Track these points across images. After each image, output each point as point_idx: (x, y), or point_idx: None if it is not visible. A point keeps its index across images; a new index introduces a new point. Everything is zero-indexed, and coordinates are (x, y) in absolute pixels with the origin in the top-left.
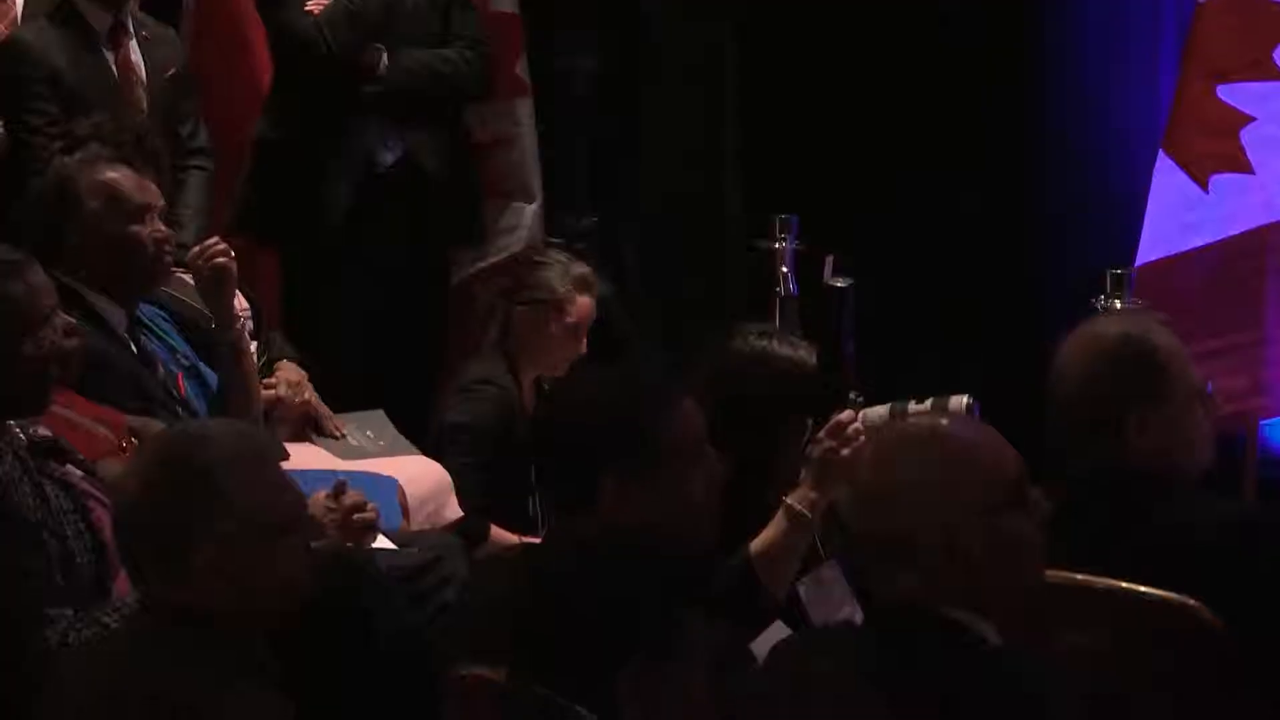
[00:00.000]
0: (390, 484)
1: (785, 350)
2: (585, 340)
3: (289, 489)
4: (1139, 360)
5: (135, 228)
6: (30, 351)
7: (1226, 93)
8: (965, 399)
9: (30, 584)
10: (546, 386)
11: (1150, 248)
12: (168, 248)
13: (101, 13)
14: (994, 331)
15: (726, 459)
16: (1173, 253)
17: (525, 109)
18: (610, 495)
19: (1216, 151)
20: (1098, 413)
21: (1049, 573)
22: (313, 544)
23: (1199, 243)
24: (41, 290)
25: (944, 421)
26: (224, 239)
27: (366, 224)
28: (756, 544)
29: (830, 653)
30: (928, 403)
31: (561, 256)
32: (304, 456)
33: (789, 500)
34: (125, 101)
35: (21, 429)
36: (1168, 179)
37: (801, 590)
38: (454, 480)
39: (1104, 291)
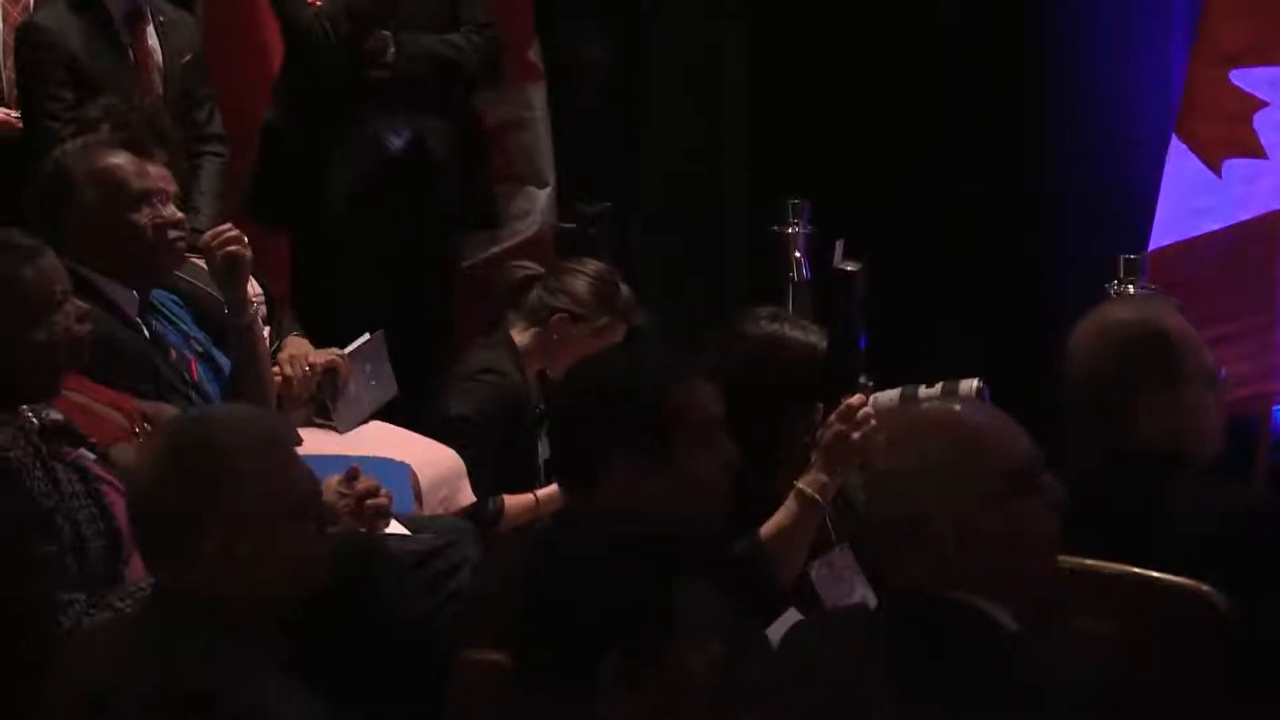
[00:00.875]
0: (403, 469)
1: (796, 334)
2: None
3: (302, 473)
4: (1151, 345)
5: (133, 215)
6: (42, 337)
7: (1239, 77)
8: (975, 382)
9: (42, 569)
10: (551, 375)
11: (1163, 233)
12: (177, 232)
13: None
14: (1006, 317)
15: (736, 442)
16: (1185, 238)
17: (538, 94)
18: (620, 476)
19: (1229, 136)
20: (1109, 397)
21: (1060, 558)
22: (328, 530)
23: (1211, 228)
24: (53, 275)
25: (956, 406)
26: (238, 223)
27: (374, 209)
28: (767, 528)
29: (841, 638)
30: (938, 387)
31: (606, 272)
32: (316, 441)
33: (799, 484)
34: (141, 86)
35: (34, 413)
36: (1180, 163)
37: (813, 574)
38: None
39: (1117, 276)
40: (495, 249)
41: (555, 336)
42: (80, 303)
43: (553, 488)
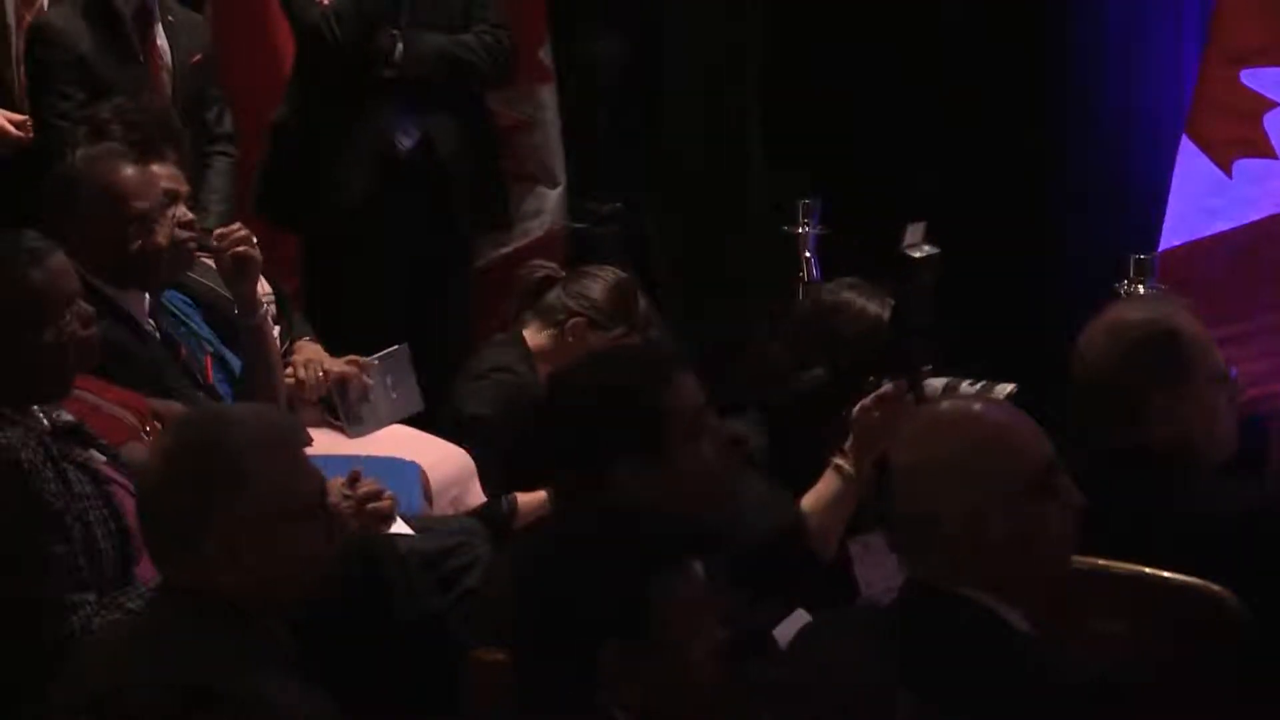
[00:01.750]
0: (413, 469)
1: (863, 305)
2: None
3: (311, 474)
4: (1162, 345)
5: (133, 229)
6: (51, 338)
7: (1250, 78)
8: (1011, 388)
9: (54, 570)
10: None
11: (1173, 233)
12: (187, 233)
13: None
14: (1016, 317)
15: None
16: (1195, 238)
17: (548, 94)
18: (618, 472)
19: (1240, 137)
20: (1120, 397)
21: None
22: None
23: (1222, 228)
24: (62, 276)
25: (977, 405)
26: (245, 223)
27: (385, 209)
28: (807, 499)
29: (853, 635)
30: (978, 386)
31: (627, 282)
32: (327, 441)
33: (836, 459)
34: (151, 87)
35: (45, 414)
36: (1191, 164)
37: (853, 551)
38: None
39: (1127, 277)
40: (506, 249)
41: (570, 339)
42: (87, 306)
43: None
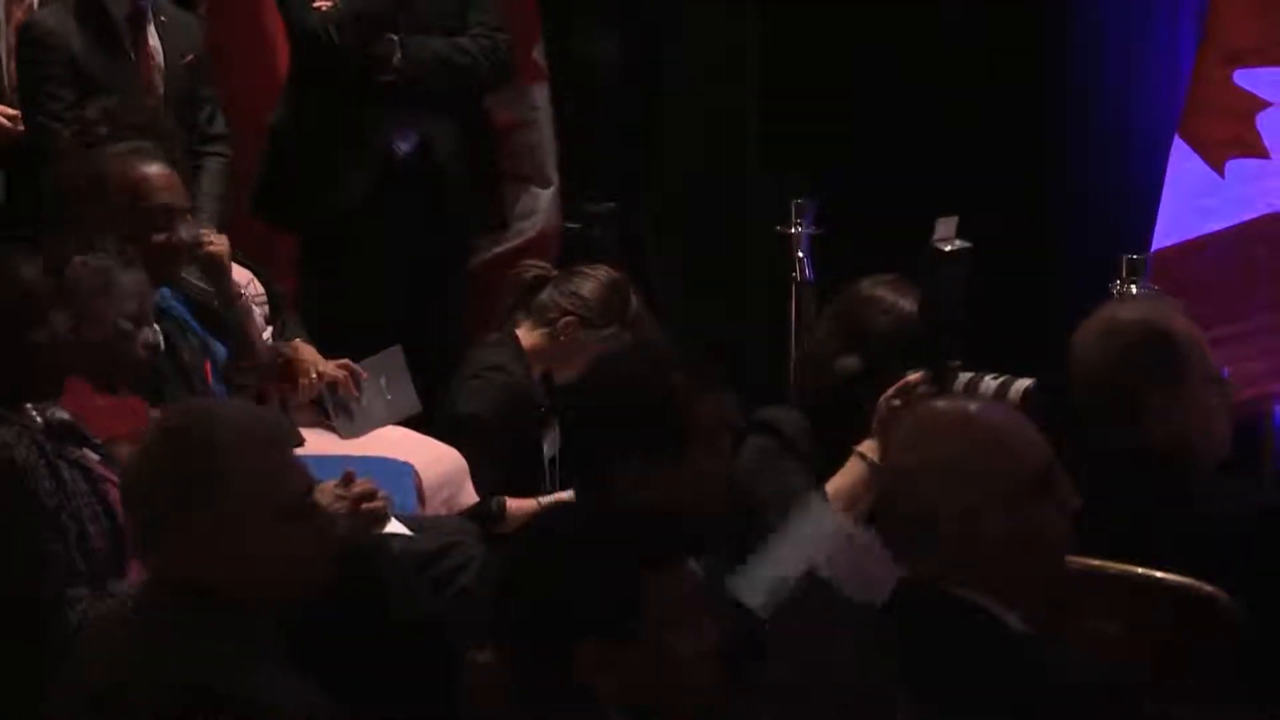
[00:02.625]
0: (406, 469)
1: (896, 302)
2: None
3: (297, 473)
4: (1156, 345)
5: (159, 222)
6: (43, 337)
7: (1243, 78)
8: (1028, 383)
9: (51, 568)
10: (556, 378)
11: (1166, 233)
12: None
13: None
14: (1010, 316)
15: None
16: (1188, 238)
17: (541, 94)
18: (632, 477)
19: (1233, 136)
20: (1115, 397)
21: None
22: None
23: (1215, 228)
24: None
25: (973, 406)
26: (246, 223)
27: (383, 212)
28: (830, 485)
29: (853, 634)
30: (999, 380)
31: (619, 281)
32: (320, 442)
33: (859, 448)
34: (143, 87)
35: (38, 412)
36: (1184, 164)
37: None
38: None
39: (1119, 277)
40: (499, 249)
41: (562, 339)
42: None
43: (558, 495)
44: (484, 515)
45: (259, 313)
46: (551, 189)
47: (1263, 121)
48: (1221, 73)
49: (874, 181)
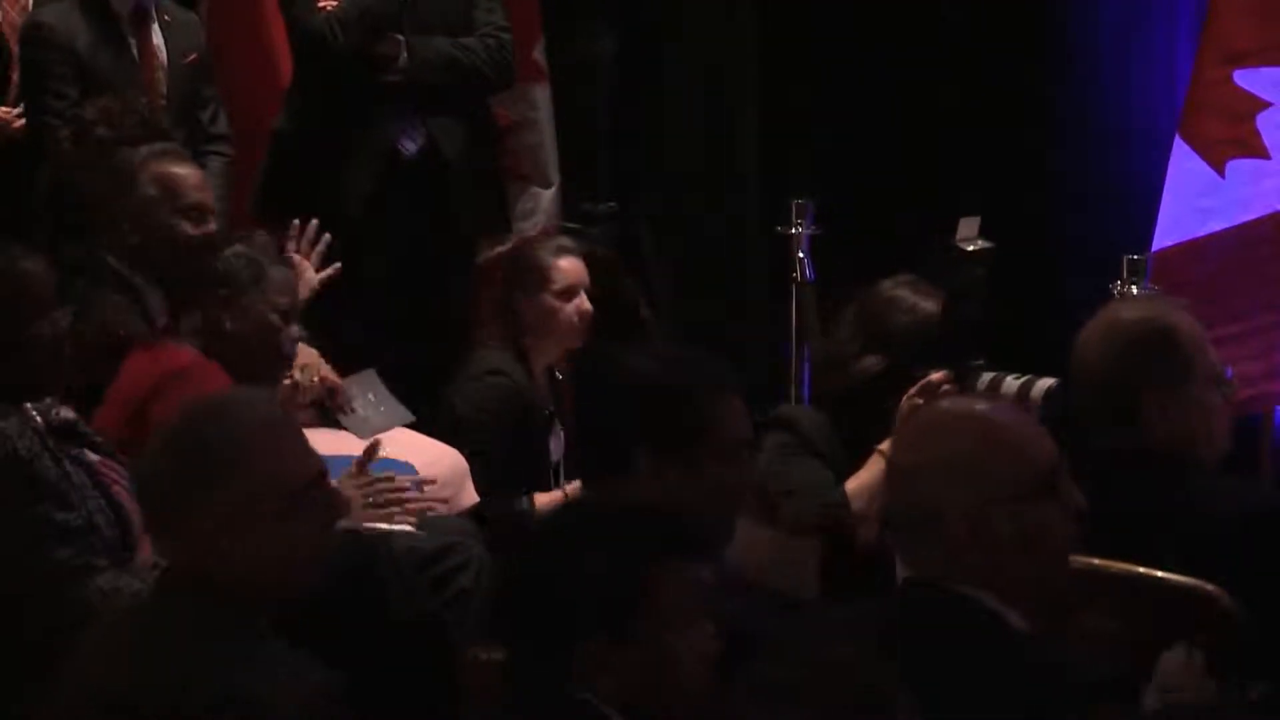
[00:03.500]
0: (407, 470)
1: (915, 302)
2: (591, 313)
3: (308, 456)
4: (1158, 344)
5: (192, 216)
6: (45, 331)
7: (1243, 78)
8: (1051, 383)
9: (66, 538)
10: (560, 375)
11: (1166, 233)
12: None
13: None
14: (1011, 317)
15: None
16: (1189, 238)
17: (542, 94)
18: (646, 476)
19: (1233, 137)
20: (1116, 396)
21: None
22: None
23: (1215, 228)
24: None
25: (980, 405)
26: (242, 224)
27: (387, 212)
28: (850, 483)
29: (850, 631)
30: (1022, 379)
31: (546, 236)
32: (321, 442)
33: (880, 446)
34: (145, 86)
35: (41, 413)
36: (1184, 164)
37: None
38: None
39: (1120, 277)
40: (500, 249)
41: (530, 318)
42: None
43: (576, 485)
44: (484, 517)
45: None
46: (552, 189)
47: (1263, 122)
48: (1221, 73)
49: (874, 182)
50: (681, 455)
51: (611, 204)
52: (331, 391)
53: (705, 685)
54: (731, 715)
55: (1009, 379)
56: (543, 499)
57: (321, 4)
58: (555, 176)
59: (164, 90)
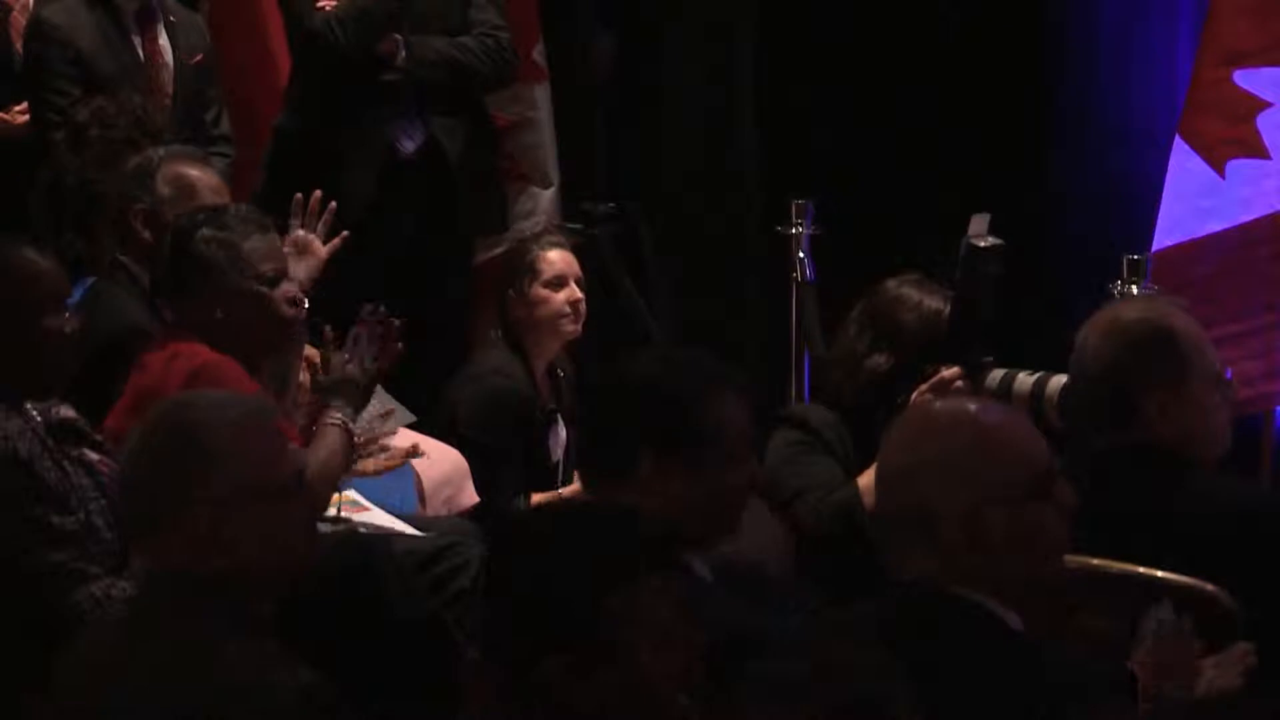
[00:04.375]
0: (407, 470)
1: (922, 299)
2: (582, 302)
3: (285, 457)
4: (1158, 344)
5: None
6: (53, 326)
7: (1243, 78)
8: (1064, 379)
9: (61, 542)
10: (562, 373)
11: (1166, 233)
12: None
13: None
14: (1011, 316)
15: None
16: (1189, 238)
17: (542, 94)
18: (648, 476)
19: (1233, 137)
20: (1117, 396)
21: (1066, 556)
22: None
23: (1215, 228)
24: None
25: (972, 406)
26: None
27: (388, 212)
28: (862, 479)
29: (850, 631)
30: (1035, 376)
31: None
32: None
33: None
34: (151, 86)
35: (42, 412)
36: (1184, 164)
37: None
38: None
39: (1120, 277)
40: (499, 249)
41: (523, 312)
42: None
43: (576, 486)
44: (483, 517)
45: None
46: (552, 189)
47: (1263, 122)
48: (1221, 73)
49: (874, 182)
50: (683, 456)
51: (611, 204)
52: None
53: (680, 706)
54: (731, 715)
55: (1022, 375)
56: (542, 499)
57: (320, 3)
58: (555, 176)
59: (169, 91)
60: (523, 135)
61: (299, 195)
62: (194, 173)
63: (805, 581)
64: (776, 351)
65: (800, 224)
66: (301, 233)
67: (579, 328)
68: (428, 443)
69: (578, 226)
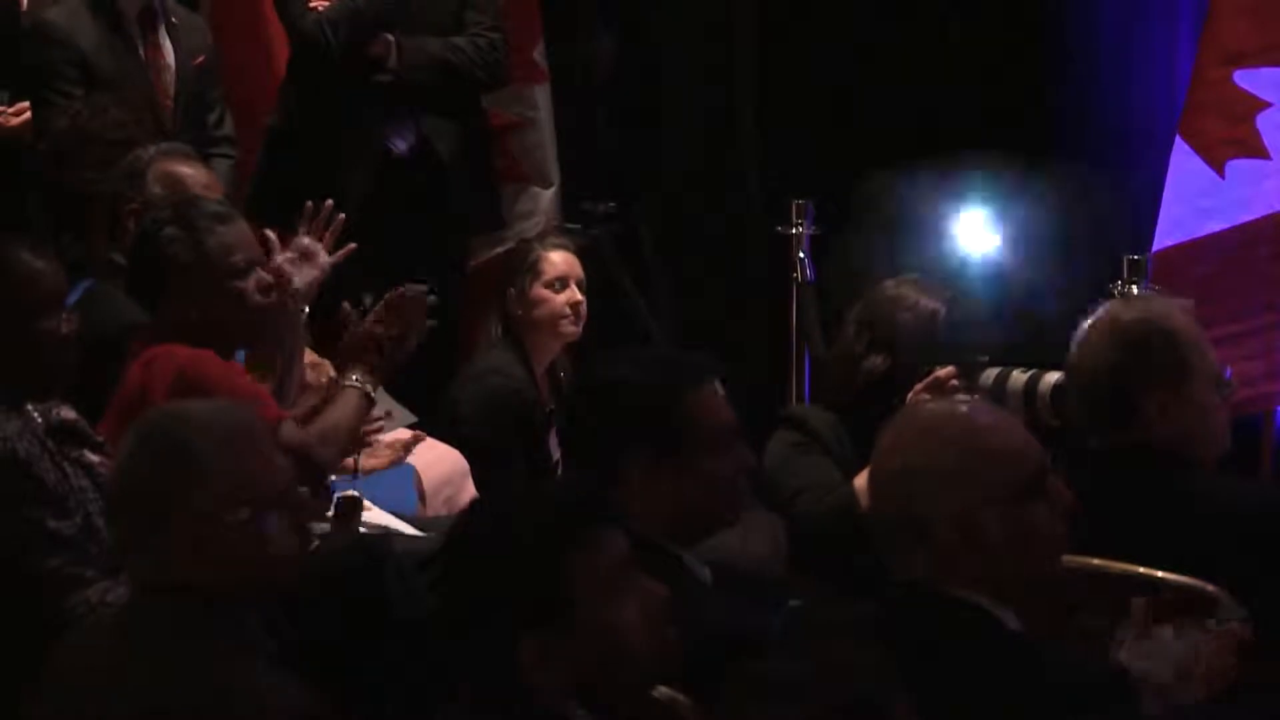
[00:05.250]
0: (408, 469)
1: (918, 299)
2: (583, 303)
3: (273, 464)
4: (1158, 344)
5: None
6: (52, 327)
7: (1243, 78)
8: (1057, 377)
9: (58, 546)
10: (562, 374)
11: (1167, 233)
12: None
13: None
14: (1011, 316)
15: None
16: (1189, 238)
17: (543, 95)
18: (634, 476)
19: (1233, 137)
20: (1117, 396)
21: (1066, 556)
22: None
23: (1215, 228)
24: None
25: (964, 408)
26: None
27: (382, 212)
28: (859, 479)
29: (850, 631)
30: (1029, 374)
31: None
32: None
33: None
34: (152, 87)
35: (42, 413)
36: (1184, 164)
37: None
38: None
39: (1121, 277)
40: (499, 250)
41: (523, 312)
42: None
43: None
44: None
45: None
46: (552, 189)
47: (1263, 122)
48: (1221, 73)
49: (873, 181)
50: (667, 453)
51: (611, 204)
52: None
53: (655, 649)
54: (731, 715)
55: (1015, 373)
56: None
57: (312, 4)
58: (555, 176)
59: (172, 92)
60: (523, 135)
61: (309, 203)
62: (184, 170)
63: (803, 581)
64: (776, 351)
65: (800, 224)
66: (307, 240)
67: (579, 329)
68: (428, 443)
69: (578, 226)
